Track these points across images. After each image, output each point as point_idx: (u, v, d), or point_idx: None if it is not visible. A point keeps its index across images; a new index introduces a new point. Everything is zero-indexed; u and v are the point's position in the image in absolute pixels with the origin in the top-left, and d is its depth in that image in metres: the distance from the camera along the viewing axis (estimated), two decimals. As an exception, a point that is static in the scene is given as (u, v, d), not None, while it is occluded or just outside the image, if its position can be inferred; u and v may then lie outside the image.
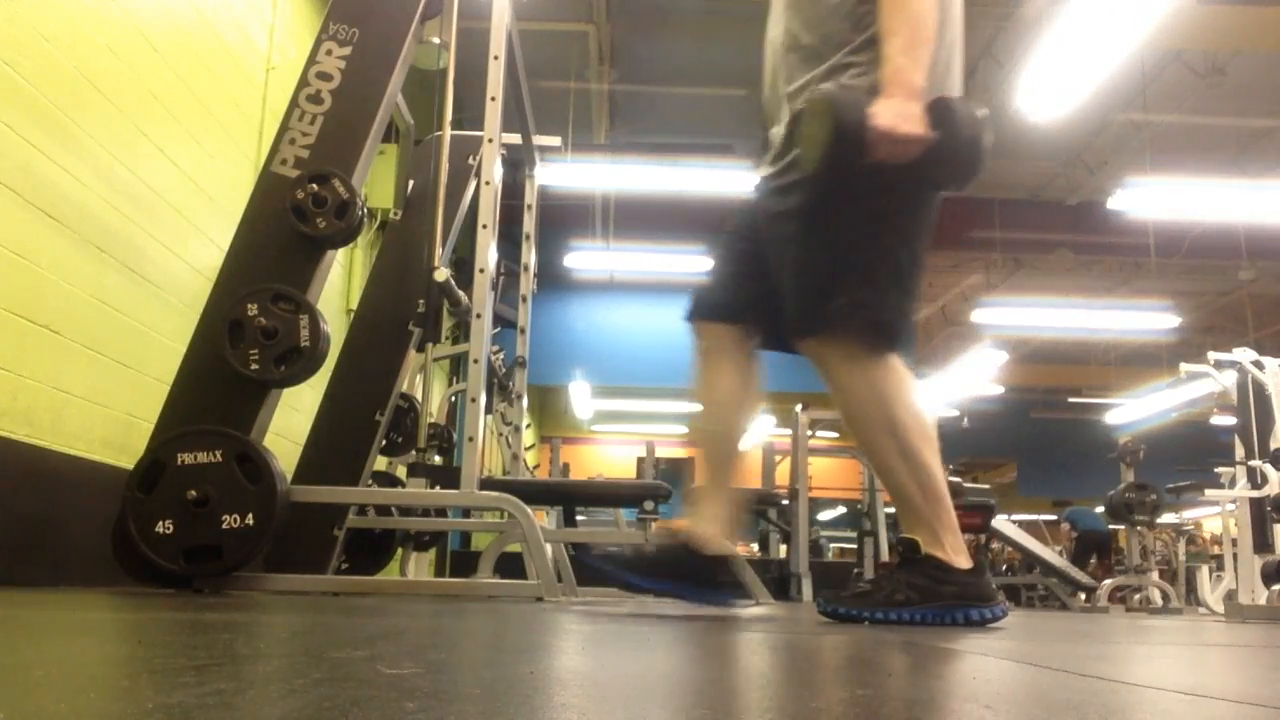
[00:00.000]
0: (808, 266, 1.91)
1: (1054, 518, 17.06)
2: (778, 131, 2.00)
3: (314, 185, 2.83)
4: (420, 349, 3.77)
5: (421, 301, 3.34)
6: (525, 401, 5.05)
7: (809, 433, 8.07)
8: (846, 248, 1.90)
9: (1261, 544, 5.70)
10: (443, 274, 3.31)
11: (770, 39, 2.07)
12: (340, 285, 5.79)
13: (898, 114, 1.72)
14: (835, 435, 13.66)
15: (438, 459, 4.34)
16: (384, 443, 3.89)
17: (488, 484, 3.63)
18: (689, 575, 2.00)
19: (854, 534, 9.78)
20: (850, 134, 1.71)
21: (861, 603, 1.86)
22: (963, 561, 1.87)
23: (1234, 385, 6.18)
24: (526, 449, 6.37)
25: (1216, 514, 8.49)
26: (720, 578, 2.03)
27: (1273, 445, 5.71)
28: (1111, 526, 10.61)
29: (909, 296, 1.94)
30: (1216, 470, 6.96)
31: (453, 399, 6.04)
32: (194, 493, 2.56)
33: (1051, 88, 6.26)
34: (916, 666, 1.10)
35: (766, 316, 1.99)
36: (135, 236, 3.53)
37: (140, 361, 3.54)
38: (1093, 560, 9.52)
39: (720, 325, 2.04)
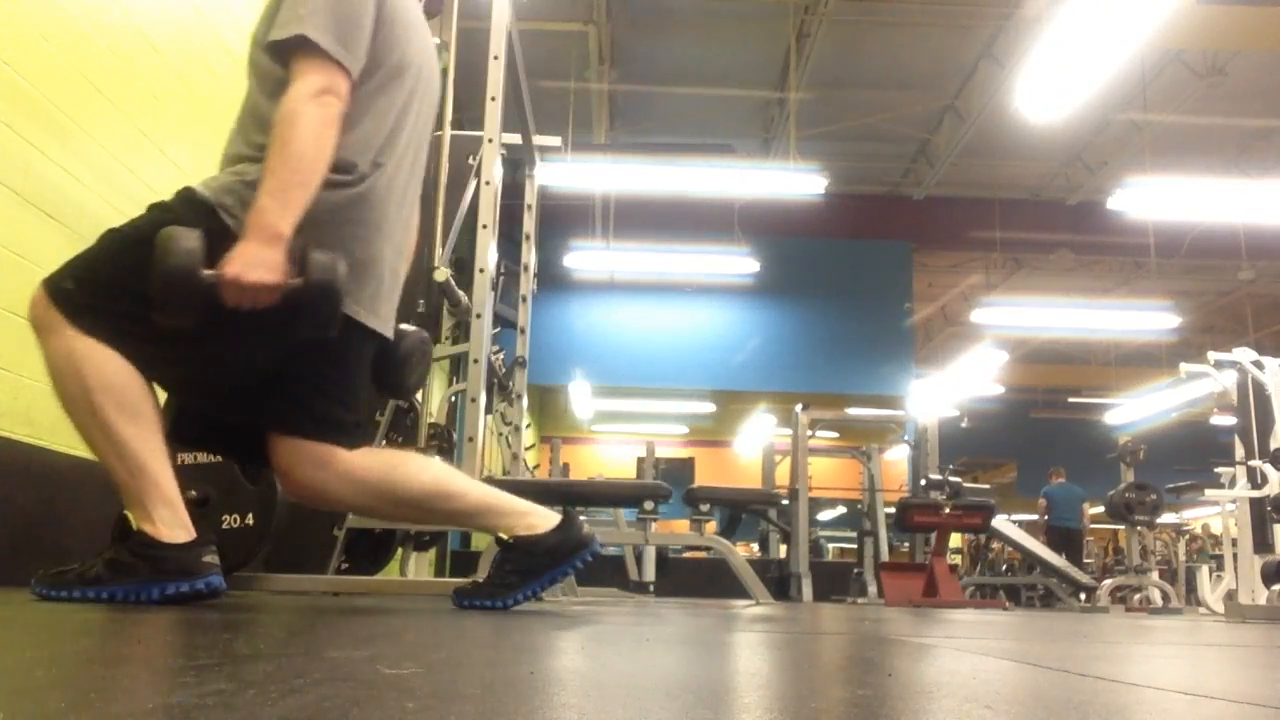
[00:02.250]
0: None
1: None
2: None
3: (314, 185, 2.83)
4: (420, 349, 3.76)
5: (421, 301, 3.34)
6: (525, 401, 5.05)
7: (809, 433, 8.07)
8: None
9: (1261, 544, 5.70)
10: (443, 274, 3.31)
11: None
12: (340, 285, 5.78)
13: (247, 261, 1.67)
14: (835, 435, 13.67)
15: (437, 459, 4.33)
16: (384, 443, 3.89)
17: (488, 484, 3.63)
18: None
19: (854, 534, 9.78)
20: (176, 281, 1.65)
21: (58, 581, 1.83)
22: (178, 535, 1.84)
23: (1234, 385, 6.17)
24: (526, 449, 6.37)
25: (1216, 514, 8.49)
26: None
27: (1273, 445, 5.71)
28: (1110, 526, 10.58)
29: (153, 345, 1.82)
30: (1216, 470, 6.96)
31: (453, 399, 6.03)
32: (194, 493, 2.56)
33: (1051, 88, 6.26)
34: (916, 666, 1.10)
35: None
36: (135, 236, 3.53)
37: (140, 361, 3.54)
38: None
39: None
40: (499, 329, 4.80)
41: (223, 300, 1.68)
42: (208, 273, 1.66)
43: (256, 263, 1.68)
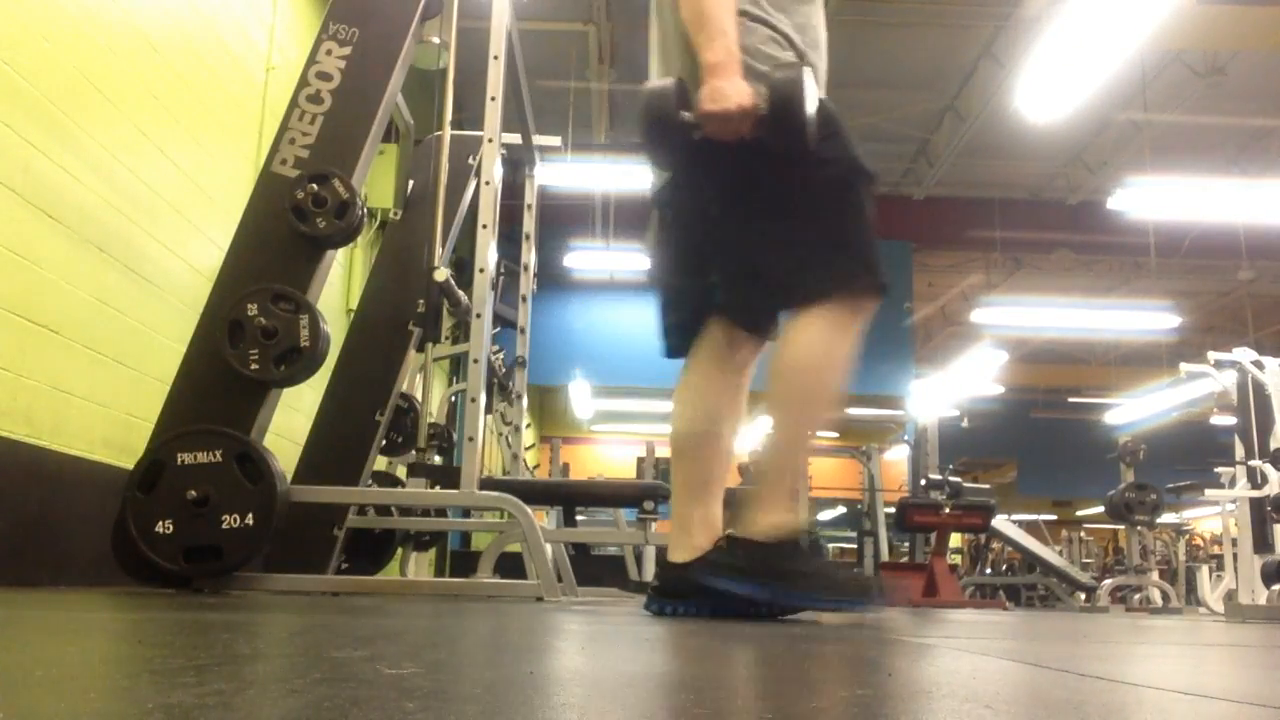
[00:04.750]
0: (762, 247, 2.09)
1: (1054, 517, 17.09)
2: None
3: (314, 185, 2.83)
4: (420, 349, 3.77)
5: (421, 301, 3.34)
6: (525, 401, 5.06)
7: (809, 433, 8.05)
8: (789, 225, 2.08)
9: (1261, 544, 5.70)
10: (443, 274, 3.31)
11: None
12: (340, 285, 5.79)
13: (710, 94, 1.89)
14: (835, 435, 13.66)
15: (438, 459, 4.34)
16: (384, 443, 3.89)
17: (488, 484, 3.63)
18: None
19: (854, 534, 9.78)
20: (660, 121, 1.90)
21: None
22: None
23: (1234, 385, 6.18)
24: (526, 449, 6.38)
25: (1215, 514, 8.50)
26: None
27: (1273, 445, 5.71)
28: (1111, 526, 10.53)
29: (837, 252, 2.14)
30: (1216, 470, 6.96)
31: (453, 399, 6.03)
32: (194, 493, 2.56)
33: (1051, 88, 6.26)
34: (916, 666, 1.10)
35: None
36: (135, 236, 3.53)
37: (140, 361, 3.54)
38: None
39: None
40: (499, 329, 4.80)
41: (707, 133, 1.90)
42: (685, 114, 1.90)
43: (718, 93, 1.88)
